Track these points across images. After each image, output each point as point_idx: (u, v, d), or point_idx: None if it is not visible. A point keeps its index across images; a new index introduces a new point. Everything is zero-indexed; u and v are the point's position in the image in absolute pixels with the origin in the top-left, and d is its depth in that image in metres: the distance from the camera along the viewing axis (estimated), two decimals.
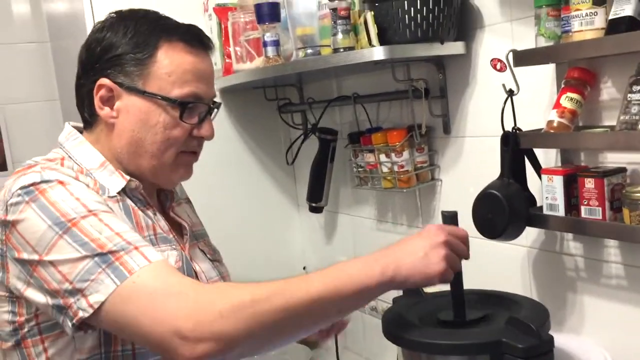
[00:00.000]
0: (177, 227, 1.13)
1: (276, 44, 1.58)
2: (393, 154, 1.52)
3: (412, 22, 1.28)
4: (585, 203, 1.08)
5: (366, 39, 1.32)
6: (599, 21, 1.02)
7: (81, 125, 1.10)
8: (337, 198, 1.94)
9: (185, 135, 1.05)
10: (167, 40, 1.02)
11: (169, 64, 1.02)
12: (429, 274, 0.93)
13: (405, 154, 1.51)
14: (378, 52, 1.28)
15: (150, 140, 1.03)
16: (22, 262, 0.90)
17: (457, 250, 0.97)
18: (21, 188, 0.91)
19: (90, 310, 0.84)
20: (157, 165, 1.05)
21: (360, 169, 1.68)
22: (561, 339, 1.08)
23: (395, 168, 1.53)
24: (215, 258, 1.21)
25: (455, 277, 1.01)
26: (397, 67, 1.48)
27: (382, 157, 1.56)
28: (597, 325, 1.22)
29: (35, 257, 0.88)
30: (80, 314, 0.84)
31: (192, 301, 0.81)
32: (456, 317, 1.08)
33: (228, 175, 1.99)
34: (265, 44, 1.58)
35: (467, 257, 1.00)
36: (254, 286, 0.86)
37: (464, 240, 1.00)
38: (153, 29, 1.03)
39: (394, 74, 1.45)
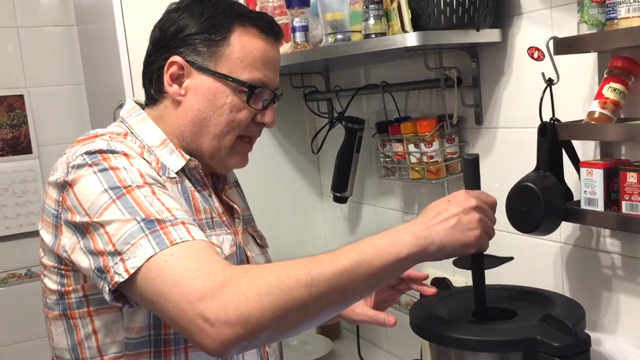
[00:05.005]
0: (228, 211, 1.14)
1: (305, 29, 1.55)
2: (422, 144, 1.49)
3: (448, 8, 1.24)
4: (626, 198, 1.04)
5: (399, 25, 1.28)
6: None
7: (141, 100, 1.11)
8: (362, 188, 1.91)
9: (248, 119, 1.06)
10: (241, 24, 1.04)
11: (242, 49, 1.03)
12: (465, 241, 0.89)
13: (435, 145, 1.48)
14: (411, 38, 1.24)
15: (215, 121, 1.04)
16: (74, 225, 0.90)
17: (488, 216, 0.93)
18: (87, 153, 0.92)
19: (126, 275, 0.82)
20: (216, 147, 1.05)
21: (387, 159, 1.64)
22: (595, 338, 1.04)
23: (425, 159, 1.50)
24: (263, 244, 1.21)
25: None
26: (429, 55, 1.44)
27: (411, 147, 1.52)
28: (633, 325, 1.18)
29: (87, 219, 0.88)
30: (116, 278, 0.83)
31: (219, 283, 0.78)
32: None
33: (251, 163, 1.96)
34: (293, 30, 1.55)
35: (494, 223, 0.96)
36: (279, 264, 0.83)
37: (493, 206, 0.96)
38: (228, 13, 1.04)
39: (426, 62, 1.42)
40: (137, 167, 0.92)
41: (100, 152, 0.92)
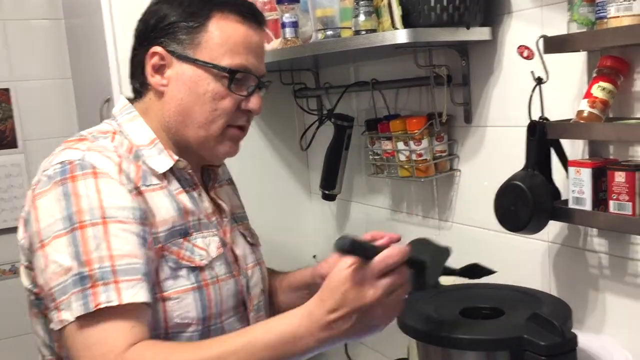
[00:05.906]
0: (218, 209, 1.12)
1: (295, 25, 1.54)
2: (412, 142, 1.48)
3: (438, 5, 1.23)
4: (614, 197, 1.04)
5: (389, 22, 1.27)
6: (638, 7, 0.97)
7: (132, 96, 1.10)
8: (351, 186, 1.91)
9: (233, 107, 1.03)
10: (220, 10, 1.02)
11: (221, 34, 1.01)
12: (371, 331, 0.87)
13: (424, 142, 1.47)
14: (401, 35, 1.23)
15: (199, 109, 1.02)
16: (29, 239, 0.92)
17: (392, 288, 0.84)
18: (60, 163, 0.92)
19: (60, 325, 0.86)
20: (203, 137, 1.03)
21: (376, 157, 1.64)
22: (581, 338, 1.04)
23: (413, 156, 1.49)
24: (254, 242, 1.20)
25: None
26: (419, 53, 1.44)
27: (400, 145, 1.52)
28: (619, 324, 1.18)
29: (37, 240, 0.90)
30: (52, 325, 0.87)
31: None
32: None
33: (239, 159, 1.95)
34: (283, 25, 1.54)
35: (402, 282, 0.86)
36: (166, 356, 0.85)
37: (395, 266, 0.84)
38: (208, 1, 1.03)
39: (416, 60, 1.41)
40: (103, 195, 0.90)
41: (72, 163, 0.92)
